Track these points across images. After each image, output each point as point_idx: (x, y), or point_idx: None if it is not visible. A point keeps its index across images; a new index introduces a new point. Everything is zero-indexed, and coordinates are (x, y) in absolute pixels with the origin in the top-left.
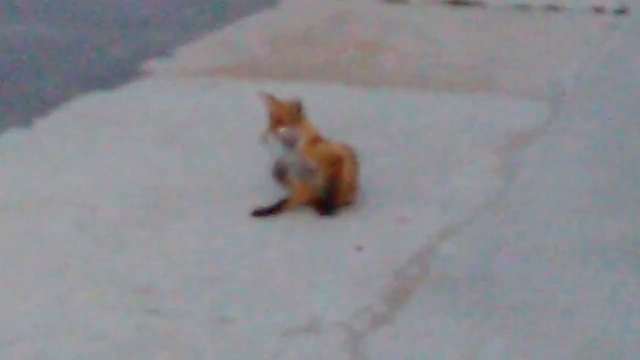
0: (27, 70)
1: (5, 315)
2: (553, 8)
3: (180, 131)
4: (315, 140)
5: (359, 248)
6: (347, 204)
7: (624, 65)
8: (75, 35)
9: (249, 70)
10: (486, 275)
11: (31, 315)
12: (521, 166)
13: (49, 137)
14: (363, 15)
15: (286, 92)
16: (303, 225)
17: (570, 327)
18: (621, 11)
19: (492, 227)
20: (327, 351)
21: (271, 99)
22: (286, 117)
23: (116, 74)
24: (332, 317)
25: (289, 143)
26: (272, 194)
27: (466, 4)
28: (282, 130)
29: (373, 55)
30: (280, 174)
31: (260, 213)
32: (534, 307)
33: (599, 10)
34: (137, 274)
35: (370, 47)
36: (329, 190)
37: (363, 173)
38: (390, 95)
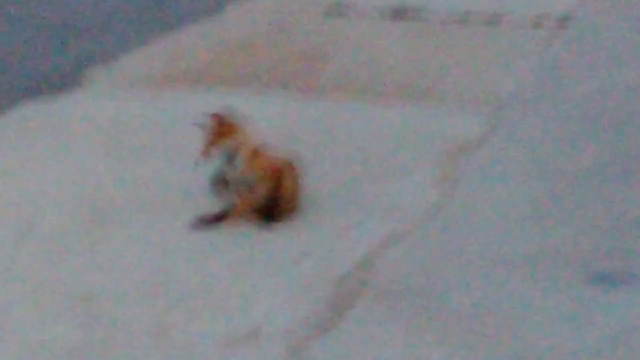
0: None
1: None
2: (494, 22)
3: (122, 140)
4: (255, 153)
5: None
6: (289, 213)
7: (563, 78)
8: (16, 42)
9: (192, 78)
10: (427, 285)
11: None
12: (462, 177)
13: None
14: (306, 27)
15: (228, 101)
16: (244, 235)
17: (511, 337)
18: (561, 25)
19: (434, 237)
20: None
21: (208, 115)
22: (224, 131)
23: (57, 82)
24: (273, 326)
25: (228, 157)
26: (212, 203)
27: (407, 17)
28: (221, 145)
29: (315, 65)
30: (220, 186)
31: (201, 223)
32: (475, 317)
33: (538, 24)
34: (77, 283)
35: (312, 57)
36: (270, 202)
37: (305, 183)
38: (332, 105)
